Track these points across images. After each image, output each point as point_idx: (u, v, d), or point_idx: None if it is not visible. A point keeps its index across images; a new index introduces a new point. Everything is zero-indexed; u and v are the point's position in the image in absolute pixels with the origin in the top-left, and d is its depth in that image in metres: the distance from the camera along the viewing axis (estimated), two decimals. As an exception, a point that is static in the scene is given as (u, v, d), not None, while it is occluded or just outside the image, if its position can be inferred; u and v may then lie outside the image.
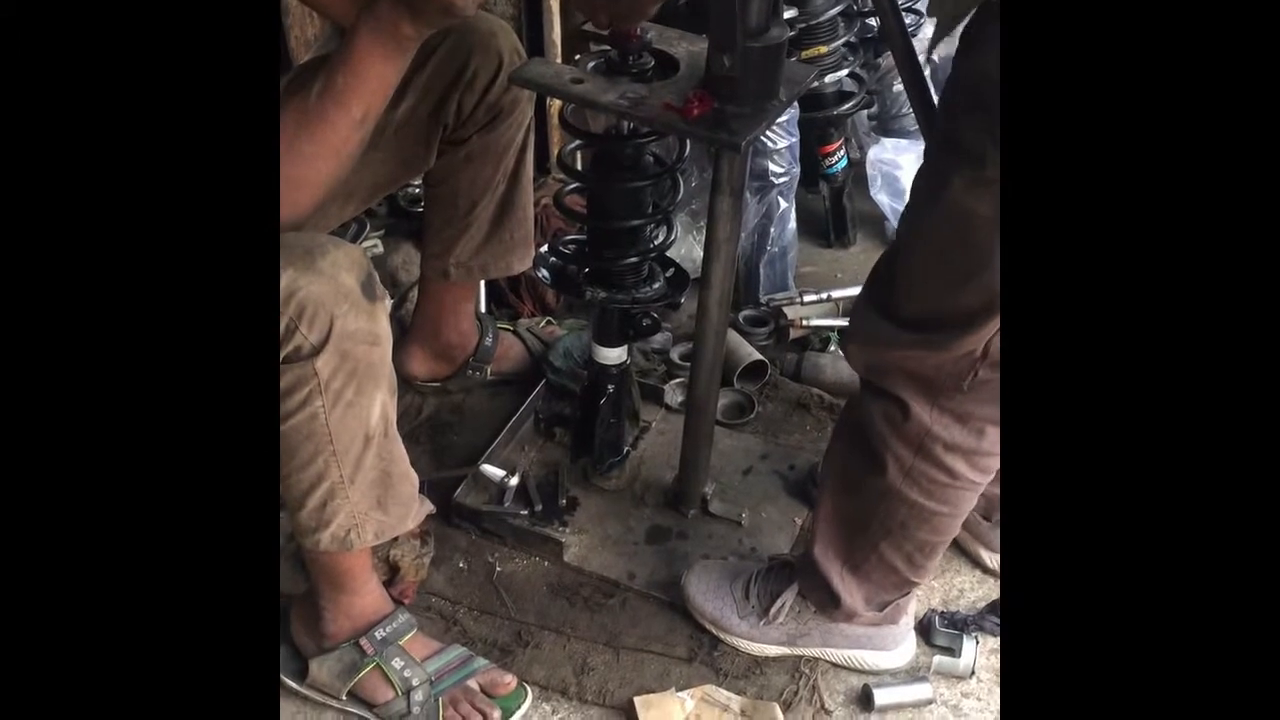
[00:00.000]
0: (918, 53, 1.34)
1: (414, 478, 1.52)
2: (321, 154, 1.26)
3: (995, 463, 1.40)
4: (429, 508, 1.58)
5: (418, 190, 2.29)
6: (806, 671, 1.63)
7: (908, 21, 2.38)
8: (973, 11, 1.12)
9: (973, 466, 1.37)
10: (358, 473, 1.41)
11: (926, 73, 2.40)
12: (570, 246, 1.70)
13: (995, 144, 1.12)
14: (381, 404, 1.40)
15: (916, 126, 1.67)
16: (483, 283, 2.15)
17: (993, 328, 1.22)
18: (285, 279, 1.26)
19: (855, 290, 2.19)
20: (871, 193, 2.45)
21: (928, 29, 2.51)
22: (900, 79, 1.76)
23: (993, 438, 1.35)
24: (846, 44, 2.29)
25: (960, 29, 1.17)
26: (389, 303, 1.39)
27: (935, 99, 1.55)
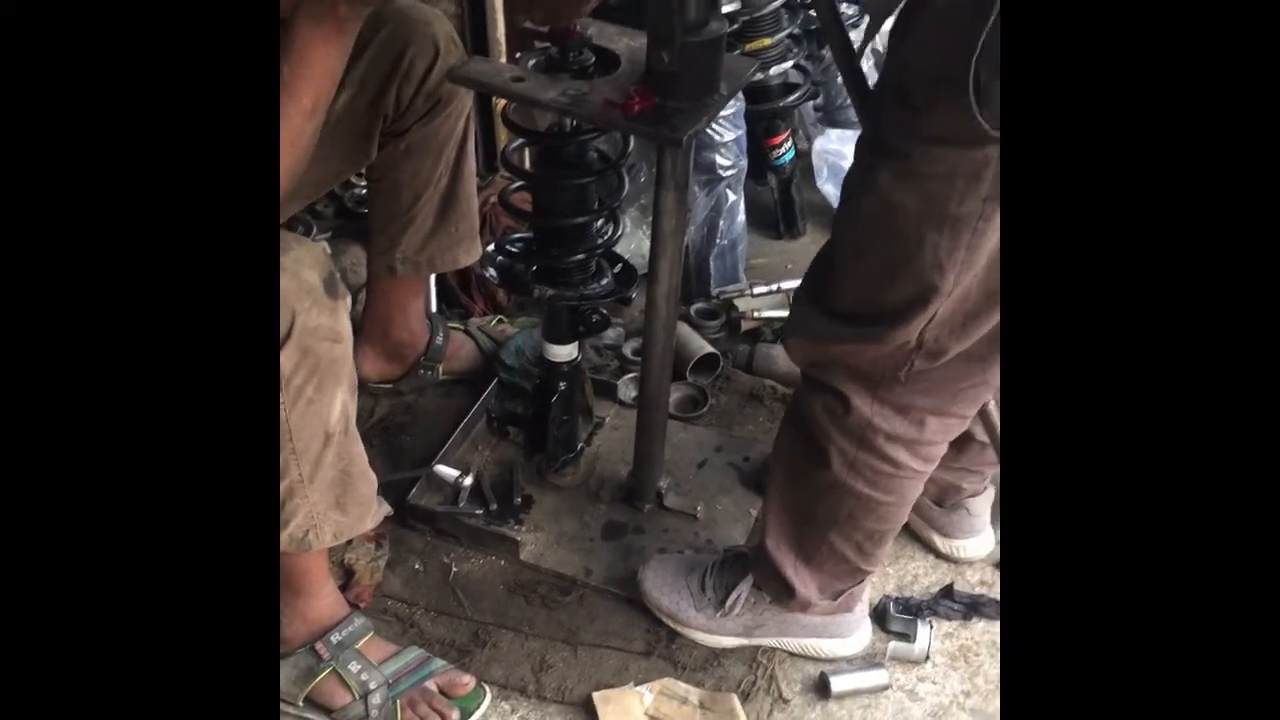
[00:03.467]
0: (854, 44, 1.35)
1: (373, 478, 1.52)
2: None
3: (938, 451, 1.42)
4: (387, 509, 1.58)
5: (363, 191, 2.28)
6: (764, 661, 1.64)
7: (847, 13, 2.40)
8: (901, 4, 1.13)
9: (915, 456, 1.39)
10: (317, 472, 1.41)
11: (870, 64, 2.42)
12: (518, 245, 1.70)
13: (918, 137, 1.13)
14: (342, 402, 1.40)
15: (859, 117, 1.68)
16: (433, 282, 2.14)
17: (925, 318, 1.24)
18: None
19: (805, 281, 2.22)
20: (818, 183, 2.47)
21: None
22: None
23: (933, 427, 1.37)
24: (790, 36, 2.30)
25: (891, 22, 1.18)
26: (349, 301, 1.39)
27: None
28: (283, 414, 1.34)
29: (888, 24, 1.20)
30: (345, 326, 1.37)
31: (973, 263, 1.18)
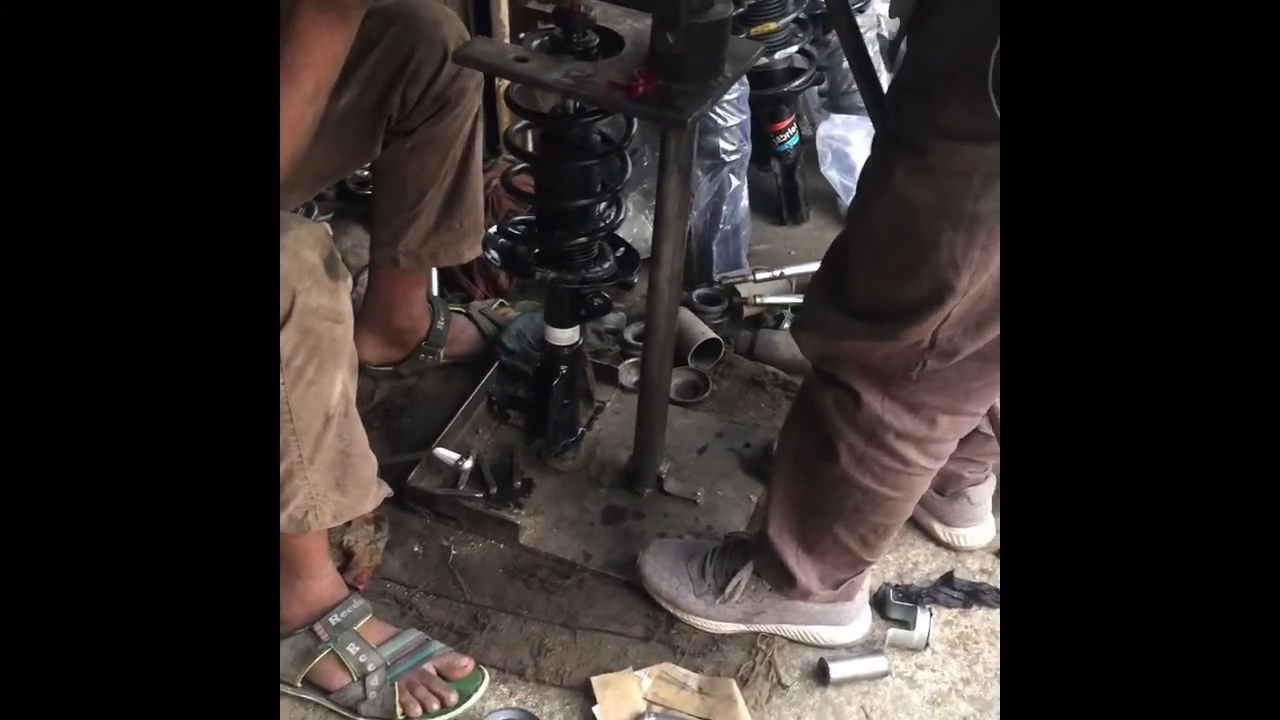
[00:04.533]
0: (862, 30, 1.34)
1: (373, 459, 1.51)
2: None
3: (948, 449, 1.41)
4: (386, 491, 1.57)
5: (367, 173, 2.27)
6: (763, 647, 1.64)
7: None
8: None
9: (924, 453, 1.38)
10: (317, 452, 1.40)
11: (874, 50, 2.41)
12: (520, 227, 1.69)
13: (935, 133, 1.12)
14: (342, 383, 1.39)
15: (865, 103, 1.67)
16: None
17: (939, 317, 1.23)
18: None
19: (809, 267, 2.21)
20: (822, 169, 2.46)
21: (876, 4, 2.52)
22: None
23: (944, 425, 1.36)
24: (795, 20, 2.29)
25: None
26: (350, 281, 1.38)
27: (887, 77, 1.55)
28: (283, 394, 1.33)
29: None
30: (346, 307, 1.36)
31: (989, 263, 1.17)
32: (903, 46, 1.36)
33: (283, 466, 1.39)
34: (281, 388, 1.33)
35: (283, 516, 1.43)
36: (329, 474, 1.44)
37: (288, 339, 1.30)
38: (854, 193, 1.35)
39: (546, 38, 1.46)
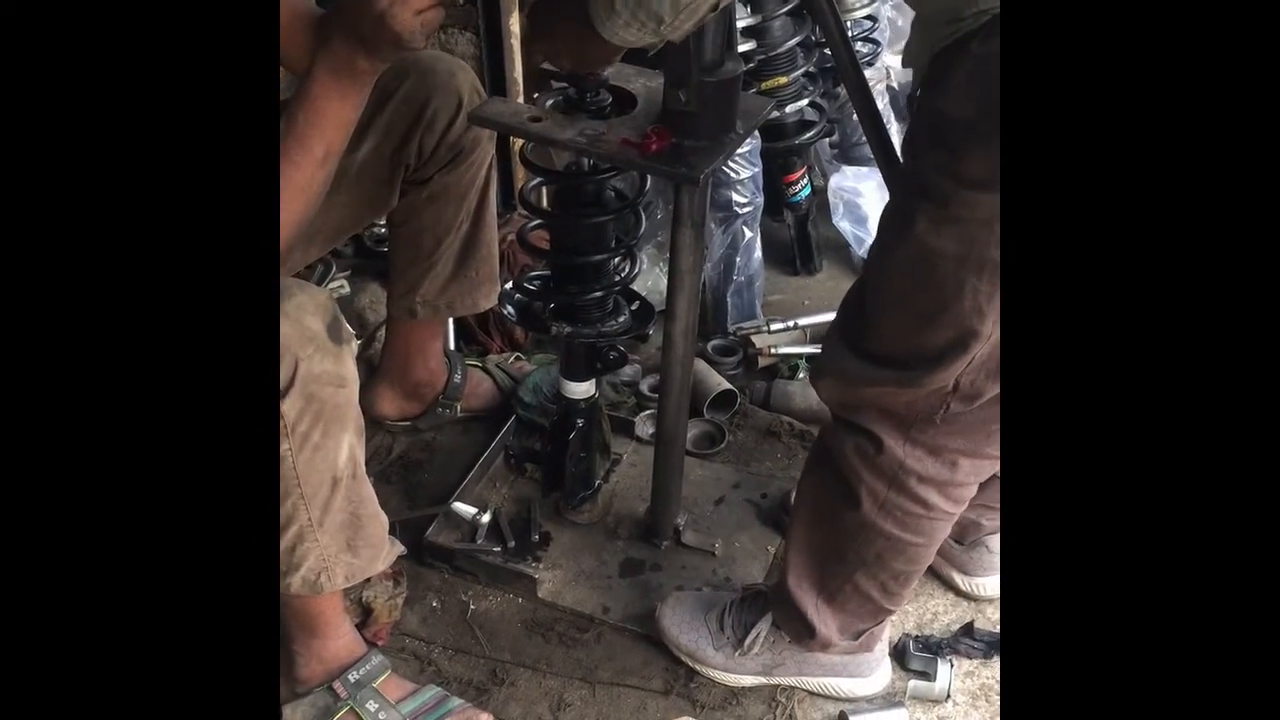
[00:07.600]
0: (870, 83, 1.36)
1: (384, 519, 1.52)
2: (287, 194, 1.26)
3: (969, 493, 1.41)
4: (399, 549, 1.57)
5: (383, 230, 2.29)
6: (783, 700, 1.63)
7: (863, 51, 2.42)
8: (933, 54, 1.14)
9: (946, 498, 1.38)
10: (326, 515, 1.41)
11: (884, 103, 2.43)
12: (535, 282, 1.70)
13: (957, 182, 1.13)
14: (349, 446, 1.40)
15: (875, 154, 1.69)
16: (451, 320, 2.15)
17: (964, 362, 1.23)
18: None
19: (823, 317, 2.22)
20: (834, 220, 2.47)
21: (885, 58, 2.55)
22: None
23: (965, 469, 1.36)
24: (806, 74, 2.32)
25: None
26: (356, 344, 1.39)
27: (898, 128, 1.57)
28: (289, 460, 1.34)
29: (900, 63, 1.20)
30: (350, 371, 1.36)
31: None
32: (887, 83, 1.37)
33: (292, 530, 1.39)
34: (288, 453, 1.33)
35: (295, 579, 1.43)
36: (339, 536, 1.44)
37: (291, 406, 1.30)
38: (872, 241, 1.35)
39: (560, 97, 1.48)
